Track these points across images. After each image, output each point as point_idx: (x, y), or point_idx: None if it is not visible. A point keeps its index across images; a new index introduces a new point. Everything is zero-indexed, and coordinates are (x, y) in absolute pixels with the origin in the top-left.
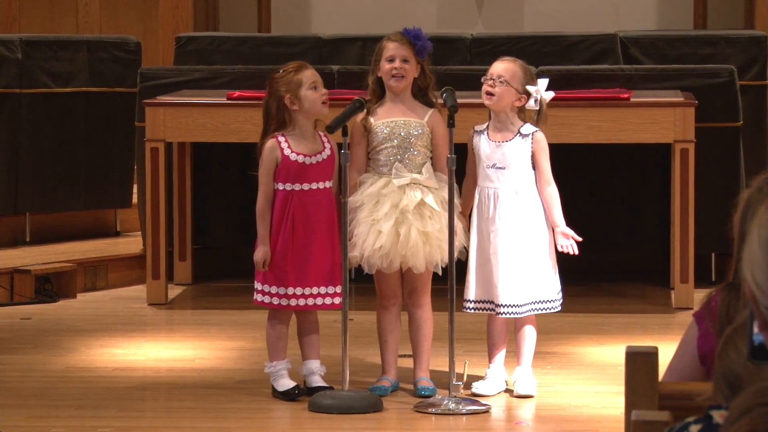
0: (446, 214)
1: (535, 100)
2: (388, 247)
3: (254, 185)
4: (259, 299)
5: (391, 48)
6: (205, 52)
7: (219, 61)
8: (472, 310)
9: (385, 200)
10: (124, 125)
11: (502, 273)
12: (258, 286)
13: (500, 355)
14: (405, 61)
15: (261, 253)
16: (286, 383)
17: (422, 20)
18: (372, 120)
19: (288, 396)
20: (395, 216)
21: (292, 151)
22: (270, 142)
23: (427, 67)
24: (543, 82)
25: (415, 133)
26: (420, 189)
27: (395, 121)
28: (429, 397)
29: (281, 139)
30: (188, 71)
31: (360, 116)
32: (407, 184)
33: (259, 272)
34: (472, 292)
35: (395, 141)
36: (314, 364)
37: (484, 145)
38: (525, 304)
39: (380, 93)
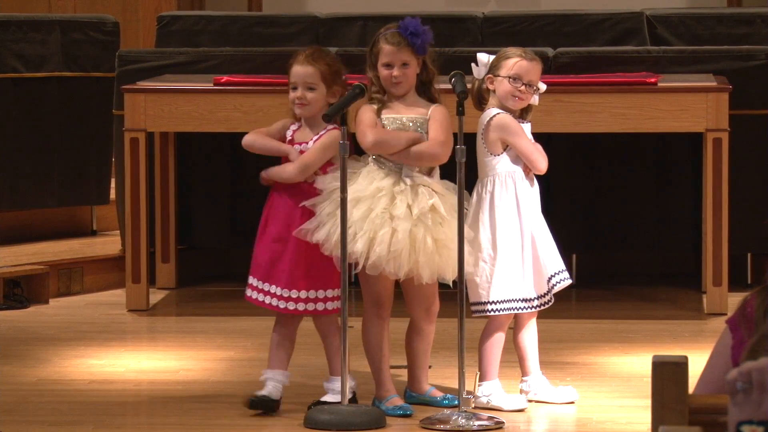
0: (455, 222)
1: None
2: (400, 251)
3: (244, 179)
4: (251, 295)
5: (387, 52)
6: (190, 32)
7: (205, 43)
8: (539, 307)
9: (401, 197)
10: (101, 113)
11: (549, 244)
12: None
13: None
14: (404, 65)
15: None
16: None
17: None
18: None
19: (251, 405)
20: (412, 218)
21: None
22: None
23: (429, 59)
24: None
25: (422, 131)
26: (428, 192)
27: (400, 117)
28: (457, 406)
29: (293, 126)
30: (171, 54)
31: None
32: (418, 185)
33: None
34: (532, 289)
35: None
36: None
37: (527, 129)
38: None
39: (381, 89)
